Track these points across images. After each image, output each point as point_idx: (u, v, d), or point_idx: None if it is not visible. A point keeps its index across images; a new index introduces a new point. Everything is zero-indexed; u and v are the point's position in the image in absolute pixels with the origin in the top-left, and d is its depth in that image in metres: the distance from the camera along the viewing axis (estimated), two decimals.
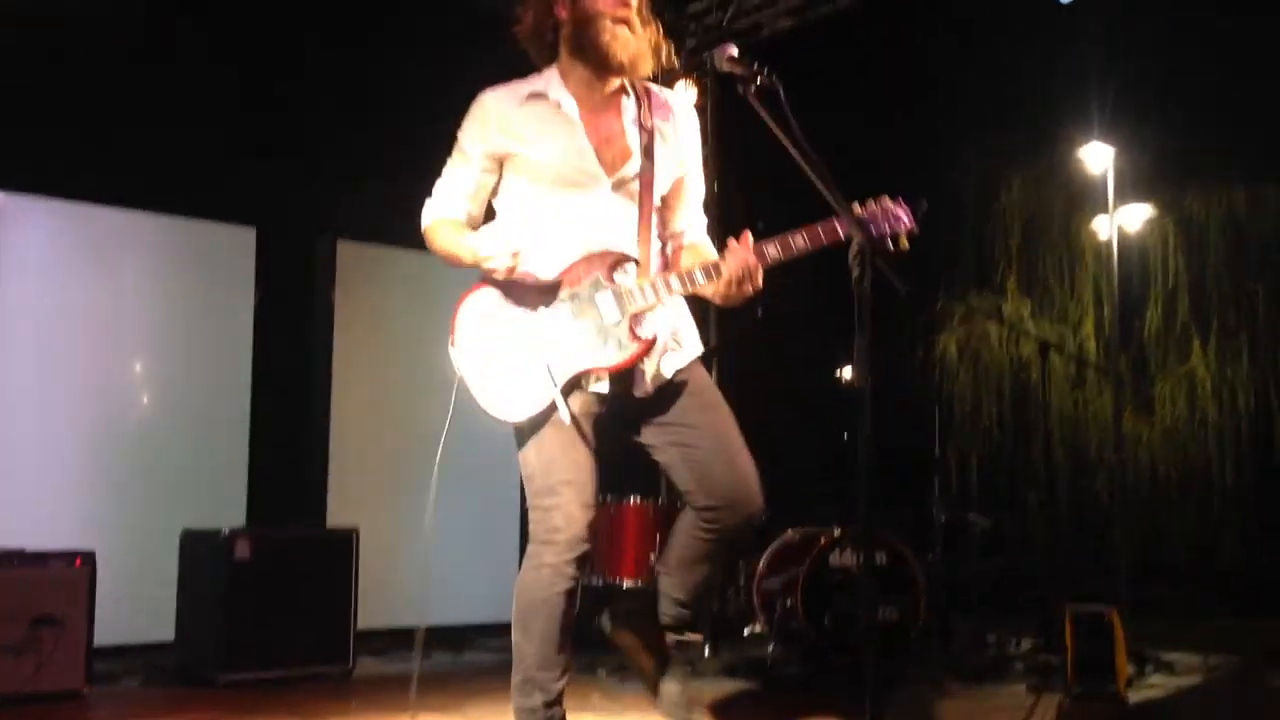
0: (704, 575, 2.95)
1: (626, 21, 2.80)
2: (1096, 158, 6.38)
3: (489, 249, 2.74)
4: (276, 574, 5.05)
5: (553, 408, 2.75)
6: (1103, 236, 7.47)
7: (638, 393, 2.83)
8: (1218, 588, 7.50)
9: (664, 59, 2.90)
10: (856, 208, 2.68)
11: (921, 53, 8.21)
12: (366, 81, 6.55)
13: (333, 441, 6.54)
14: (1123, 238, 6.52)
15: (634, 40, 2.81)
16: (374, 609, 5.72)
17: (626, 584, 5.94)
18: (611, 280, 2.77)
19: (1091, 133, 6.62)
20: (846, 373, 6.28)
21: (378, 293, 6.78)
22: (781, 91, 2.60)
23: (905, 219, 2.70)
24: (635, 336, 2.76)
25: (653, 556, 5.90)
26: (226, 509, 5.91)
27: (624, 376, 2.81)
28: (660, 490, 7.13)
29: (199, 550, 5.17)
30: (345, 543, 5.32)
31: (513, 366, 2.79)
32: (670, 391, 2.86)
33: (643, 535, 5.98)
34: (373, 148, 6.41)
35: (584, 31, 2.80)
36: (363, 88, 6.53)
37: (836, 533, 5.49)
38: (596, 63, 2.81)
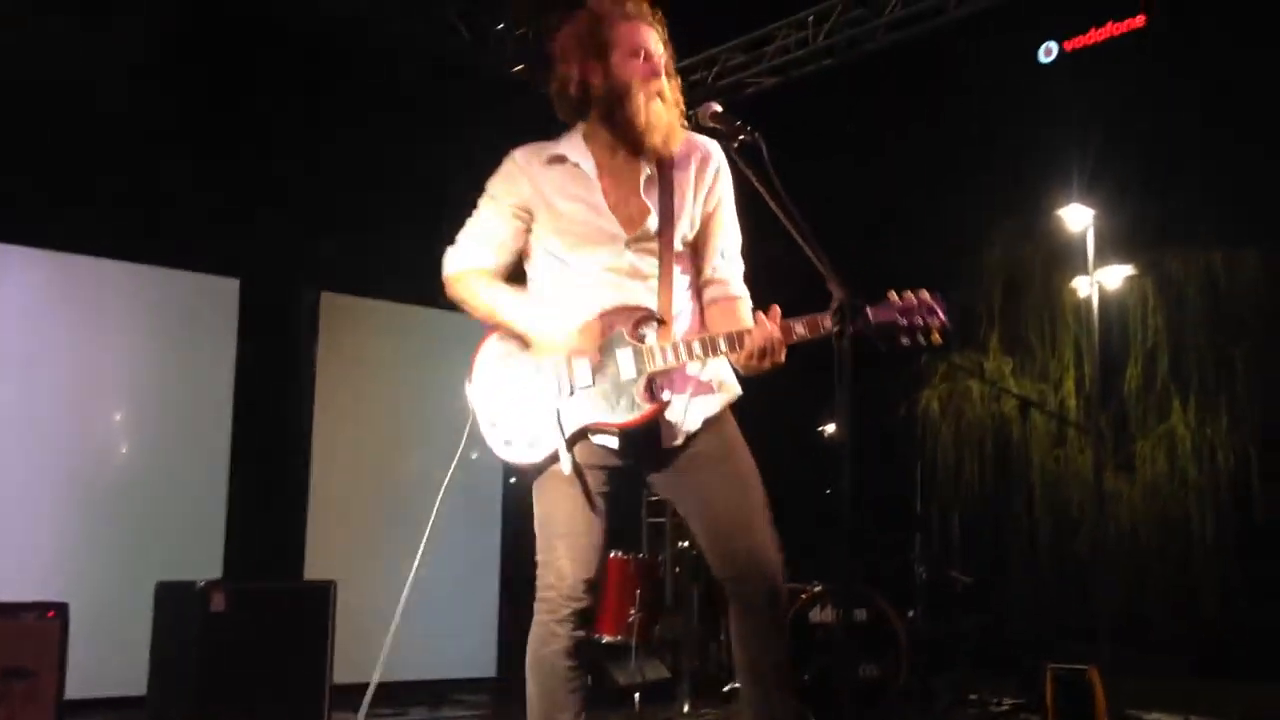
0: (772, 661, 2.78)
1: (660, 93, 2.81)
2: (1076, 218, 6.45)
3: (537, 327, 2.75)
4: (252, 627, 4.99)
5: (550, 459, 2.74)
6: (1083, 295, 7.52)
7: (666, 443, 2.80)
8: (1198, 647, 7.48)
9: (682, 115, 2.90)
10: (893, 296, 2.67)
11: (904, 111, 8.30)
12: (351, 136, 6.58)
13: (313, 494, 6.51)
14: (1103, 296, 6.57)
15: (665, 114, 2.81)
16: (352, 663, 5.66)
17: (606, 639, 5.90)
18: (634, 337, 2.76)
19: (1071, 193, 6.70)
20: (830, 428, 6.29)
21: (361, 344, 6.78)
22: (764, 148, 2.62)
23: (940, 313, 2.69)
24: (649, 398, 2.74)
25: (632, 612, 5.86)
26: (204, 561, 5.86)
27: (641, 432, 2.77)
28: (642, 545, 7.10)
29: (173, 602, 5.11)
30: (322, 596, 5.26)
31: (524, 409, 2.78)
32: (698, 447, 2.82)
33: (623, 591, 5.94)
34: (357, 200, 6.44)
35: (618, 104, 2.79)
36: (347, 142, 6.56)
37: (816, 588, 5.46)
38: (628, 139, 2.81)
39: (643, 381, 2.73)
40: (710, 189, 2.91)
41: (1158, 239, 8.31)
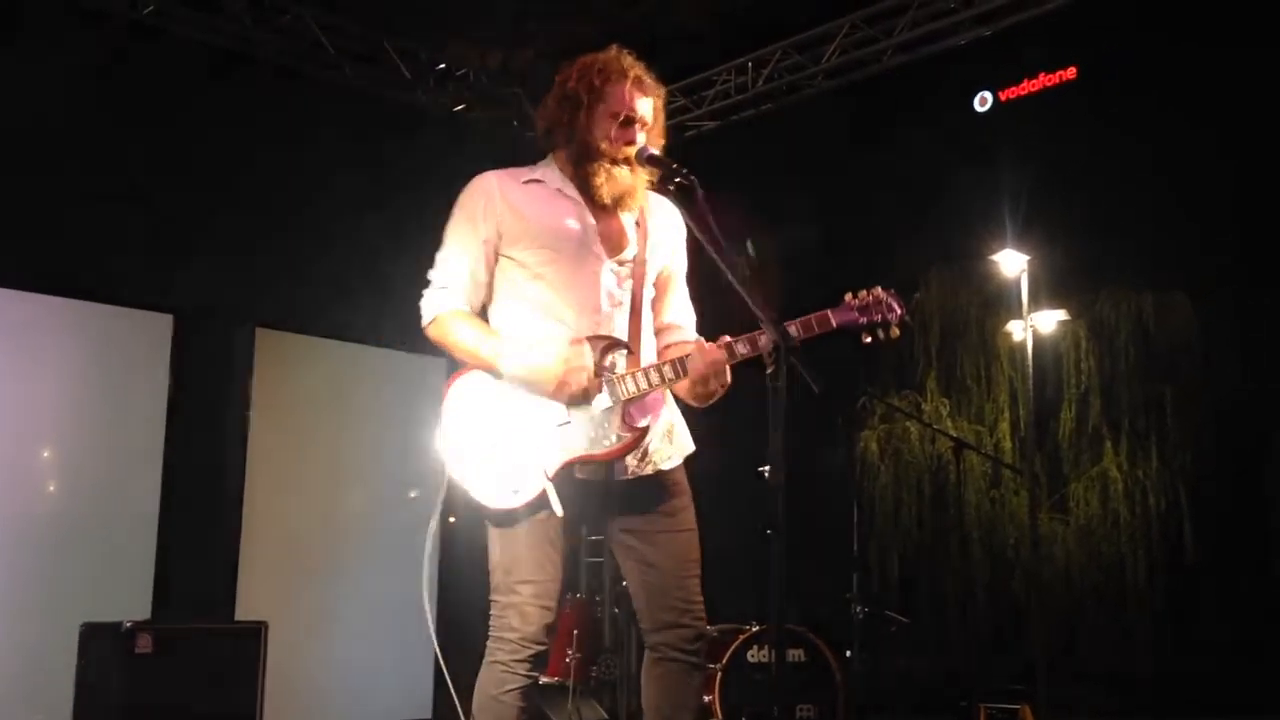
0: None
1: (627, 160, 2.81)
2: (1011, 263, 6.57)
3: (536, 374, 2.69)
4: (179, 669, 4.91)
5: (537, 501, 2.71)
6: (1017, 338, 7.64)
7: (617, 474, 2.77)
8: (1131, 687, 7.56)
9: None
10: (849, 297, 2.72)
11: (841, 156, 8.40)
12: (288, 173, 6.53)
13: (245, 533, 6.40)
14: (1036, 340, 6.67)
15: (626, 178, 2.81)
16: (284, 706, 5.57)
17: (543, 680, 5.85)
18: (604, 367, 2.75)
19: (1005, 239, 6.82)
20: (769, 468, 6.29)
21: (296, 382, 6.69)
22: (699, 190, 2.64)
23: (897, 308, 2.74)
24: (628, 425, 2.73)
25: (570, 652, 5.83)
26: (131, 601, 5.74)
27: (610, 463, 2.76)
28: (580, 586, 7.07)
29: (98, 643, 5.00)
30: (253, 637, 5.19)
31: (502, 454, 2.75)
32: (651, 493, 2.82)
33: (561, 631, 5.90)
34: (293, 236, 6.39)
35: (582, 157, 2.82)
36: (284, 178, 6.51)
37: (754, 628, 5.46)
38: (584, 192, 2.83)
39: (619, 409, 2.72)
40: (675, 244, 2.96)
41: (1090, 283, 8.47)
